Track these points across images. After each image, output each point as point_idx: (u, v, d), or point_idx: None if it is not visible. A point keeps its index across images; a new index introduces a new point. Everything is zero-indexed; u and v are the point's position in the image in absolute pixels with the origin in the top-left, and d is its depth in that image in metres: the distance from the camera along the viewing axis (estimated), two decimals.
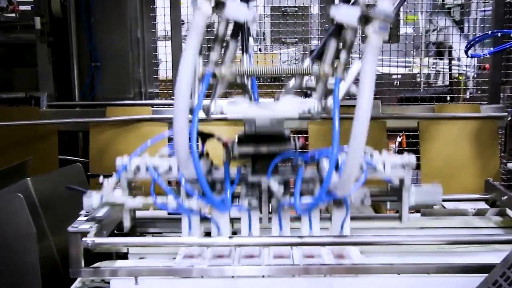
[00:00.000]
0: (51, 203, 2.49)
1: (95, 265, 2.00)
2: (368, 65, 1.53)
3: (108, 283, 1.95)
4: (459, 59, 5.47)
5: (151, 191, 1.94)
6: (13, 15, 4.02)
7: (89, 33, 3.66)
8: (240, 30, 1.78)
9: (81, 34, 3.69)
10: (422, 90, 4.70)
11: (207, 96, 1.74)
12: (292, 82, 1.93)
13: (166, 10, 3.82)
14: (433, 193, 2.00)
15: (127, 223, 2.04)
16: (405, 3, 4.17)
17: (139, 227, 2.49)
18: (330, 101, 1.74)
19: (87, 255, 1.96)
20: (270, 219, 2.04)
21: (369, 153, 1.96)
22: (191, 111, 1.66)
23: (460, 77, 5.38)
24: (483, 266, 1.85)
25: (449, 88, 5.25)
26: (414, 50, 4.65)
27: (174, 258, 2.12)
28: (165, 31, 3.98)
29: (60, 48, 3.73)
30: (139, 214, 2.49)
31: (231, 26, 1.75)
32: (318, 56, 1.81)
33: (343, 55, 1.68)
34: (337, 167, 1.82)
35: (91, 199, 1.96)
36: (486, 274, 1.76)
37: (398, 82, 4.67)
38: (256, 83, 2.07)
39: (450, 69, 5.30)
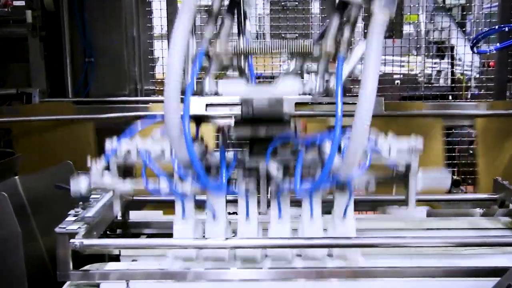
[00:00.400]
0: (41, 203, 2.40)
1: (85, 268, 1.90)
2: (374, 44, 1.45)
3: (98, 286, 1.85)
4: (460, 59, 5.41)
5: (142, 176, 1.81)
6: (6, 9, 3.91)
7: (82, 28, 3.56)
8: (236, 6, 1.69)
9: (75, 28, 3.58)
10: (423, 89, 4.62)
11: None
12: (292, 65, 1.83)
13: (162, 5, 3.71)
14: (441, 179, 1.87)
15: (117, 209, 1.95)
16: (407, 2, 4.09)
17: (133, 227, 2.42)
18: (333, 81, 1.66)
19: (78, 257, 1.86)
20: (269, 204, 1.90)
21: (374, 137, 1.84)
22: (184, 92, 1.58)
23: (462, 77, 5.31)
24: (494, 270, 1.76)
25: (451, 86, 5.17)
26: (417, 48, 4.56)
27: None
28: (161, 26, 3.87)
29: (53, 43, 3.63)
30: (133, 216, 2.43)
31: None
32: (321, 37, 1.72)
33: (346, 32, 1.61)
34: (340, 150, 1.73)
35: (79, 184, 1.82)
36: (497, 278, 1.67)
37: (399, 81, 4.61)
38: (253, 66, 1.97)
39: (452, 65, 5.22)
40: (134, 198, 2.44)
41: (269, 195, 1.89)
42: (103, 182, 1.83)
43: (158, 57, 3.98)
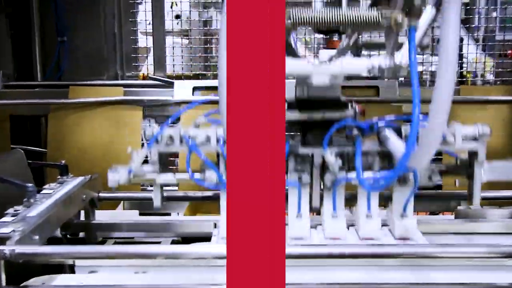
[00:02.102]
0: None
1: (26, 283, 1.49)
2: (452, 7, 1.22)
3: None
4: (465, 56, 5.13)
5: (186, 166, 1.66)
6: None
7: (54, 3, 3.16)
8: None
9: (45, 4, 3.18)
10: (428, 86, 4.32)
11: None
12: (344, 41, 1.67)
13: None
14: (508, 169, 1.67)
15: (157, 203, 1.70)
16: None
17: (101, 230, 2.05)
18: (399, 57, 1.47)
19: (33, 267, 1.51)
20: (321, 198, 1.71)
21: None
22: None
23: (468, 75, 5.04)
24: None
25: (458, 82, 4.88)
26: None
27: (137, 273, 1.63)
28: (145, 2, 3.46)
29: (20, 20, 3.22)
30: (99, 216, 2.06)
31: None
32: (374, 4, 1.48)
33: None
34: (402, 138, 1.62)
35: (118, 175, 1.61)
36: None
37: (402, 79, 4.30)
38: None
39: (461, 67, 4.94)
40: (101, 194, 2.05)
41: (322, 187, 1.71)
42: (144, 172, 1.65)
43: (140, 37, 3.57)
